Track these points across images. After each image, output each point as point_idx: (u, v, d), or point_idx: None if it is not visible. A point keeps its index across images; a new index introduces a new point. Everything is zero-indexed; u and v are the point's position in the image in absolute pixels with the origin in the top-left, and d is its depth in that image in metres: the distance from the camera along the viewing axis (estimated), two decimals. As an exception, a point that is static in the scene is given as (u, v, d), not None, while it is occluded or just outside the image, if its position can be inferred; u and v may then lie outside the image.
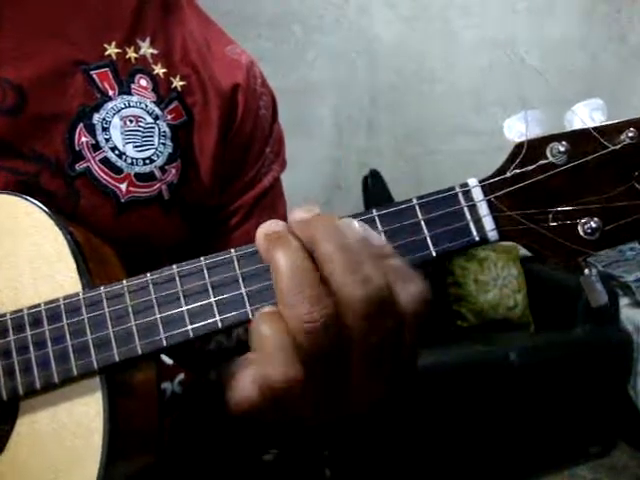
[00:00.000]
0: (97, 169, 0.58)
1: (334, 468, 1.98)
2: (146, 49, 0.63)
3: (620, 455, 2.51)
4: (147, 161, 0.60)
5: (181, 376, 0.72)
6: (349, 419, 0.45)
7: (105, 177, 0.58)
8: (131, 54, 0.62)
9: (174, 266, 0.45)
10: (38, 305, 0.47)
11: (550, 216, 0.41)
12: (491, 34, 3.00)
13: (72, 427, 0.46)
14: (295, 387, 0.41)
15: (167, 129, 0.61)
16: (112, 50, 0.61)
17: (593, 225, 0.41)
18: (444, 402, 2.19)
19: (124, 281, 0.46)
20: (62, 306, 0.47)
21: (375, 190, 2.82)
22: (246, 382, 0.44)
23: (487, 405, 2.25)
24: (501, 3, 3.04)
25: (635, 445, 2.52)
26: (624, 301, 2.57)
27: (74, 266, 0.48)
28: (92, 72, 0.59)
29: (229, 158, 0.66)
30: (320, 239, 0.40)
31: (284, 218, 0.72)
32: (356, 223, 0.42)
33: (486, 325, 2.63)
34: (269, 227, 0.42)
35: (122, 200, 0.58)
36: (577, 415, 2.44)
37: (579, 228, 0.41)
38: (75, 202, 0.57)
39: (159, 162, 0.60)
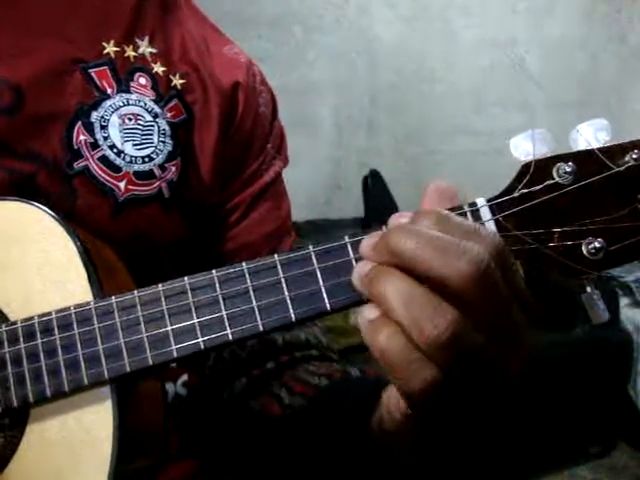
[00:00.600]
0: (96, 167, 0.57)
1: (334, 468, 1.97)
2: (145, 48, 0.63)
3: (620, 455, 2.51)
4: (146, 159, 0.60)
5: (184, 377, 0.72)
6: (501, 399, 0.44)
7: (104, 175, 0.58)
8: (130, 53, 0.62)
9: (186, 278, 0.45)
10: (49, 313, 0.48)
11: (555, 236, 0.42)
12: (491, 34, 2.99)
13: (81, 435, 0.47)
14: (435, 390, 0.40)
15: (167, 127, 0.61)
16: (111, 49, 0.61)
17: (597, 245, 0.41)
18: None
19: (135, 292, 0.46)
20: (73, 315, 0.47)
21: (375, 190, 2.81)
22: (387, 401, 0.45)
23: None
24: (501, 3, 3.04)
25: (635, 445, 2.52)
26: (624, 301, 2.57)
27: (85, 274, 0.49)
28: (90, 70, 0.59)
29: (229, 155, 0.67)
30: (400, 247, 0.39)
31: (288, 215, 0.73)
32: (405, 219, 0.41)
33: (486, 325, 2.63)
34: (361, 269, 0.41)
35: (120, 199, 0.58)
36: (577, 415, 2.44)
37: (583, 248, 0.41)
38: (72, 201, 0.57)
39: (158, 160, 0.60)
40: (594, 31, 3.18)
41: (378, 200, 2.76)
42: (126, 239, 0.57)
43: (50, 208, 0.51)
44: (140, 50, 0.62)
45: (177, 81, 0.63)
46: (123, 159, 0.58)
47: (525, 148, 0.42)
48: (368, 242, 0.41)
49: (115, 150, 0.58)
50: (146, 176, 0.60)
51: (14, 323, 0.48)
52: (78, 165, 0.57)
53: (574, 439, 2.46)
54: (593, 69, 3.17)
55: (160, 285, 0.46)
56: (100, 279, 0.49)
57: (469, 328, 0.38)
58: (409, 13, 2.91)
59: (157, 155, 0.60)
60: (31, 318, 0.48)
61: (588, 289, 0.42)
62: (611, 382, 2.49)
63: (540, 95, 2.78)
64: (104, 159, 0.58)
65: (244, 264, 0.44)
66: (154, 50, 0.63)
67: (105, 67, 0.60)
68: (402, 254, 0.38)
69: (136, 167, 0.59)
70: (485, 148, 2.52)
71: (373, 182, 2.82)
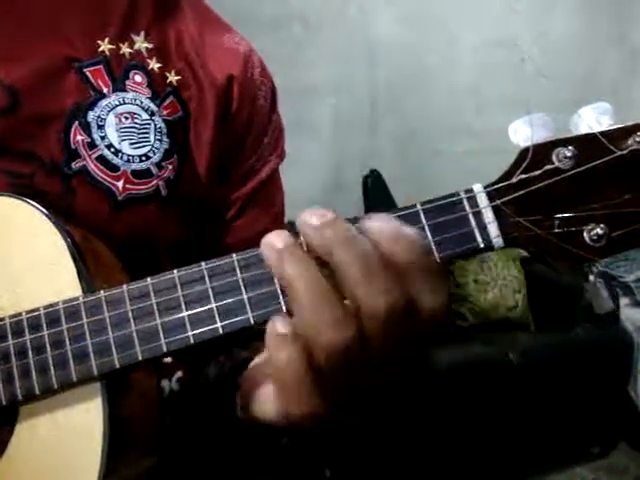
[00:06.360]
0: (93, 167, 0.57)
1: (334, 468, 1.98)
2: (141, 43, 0.62)
3: (620, 455, 2.51)
4: (143, 158, 0.59)
5: (179, 373, 0.72)
6: (366, 412, 0.45)
7: (101, 175, 0.57)
8: (125, 50, 0.61)
9: (175, 271, 0.44)
10: (37, 309, 0.47)
11: (556, 222, 0.41)
12: (491, 34, 2.99)
13: (72, 432, 0.46)
14: (312, 411, 0.41)
15: (163, 125, 0.61)
16: (105, 46, 0.60)
17: (599, 232, 0.40)
18: (443, 402, 2.19)
19: (124, 286, 0.45)
20: (61, 310, 0.46)
21: (375, 190, 2.82)
22: (268, 407, 0.45)
23: (487, 405, 2.25)
24: (501, 3, 3.04)
25: (635, 445, 2.52)
26: (624, 301, 2.57)
27: (74, 270, 0.48)
28: (85, 69, 0.59)
29: (225, 147, 0.66)
30: (337, 250, 0.38)
31: (282, 211, 0.73)
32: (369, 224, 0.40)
33: (486, 325, 2.63)
34: (276, 238, 0.40)
35: (119, 198, 0.58)
36: (577, 415, 2.44)
37: (585, 234, 0.40)
38: (71, 201, 0.57)
39: (155, 158, 0.60)
40: (594, 31, 3.18)
41: (378, 200, 2.76)
42: (125, 238, 0.57)
43: (50, 208, 0.51)
44: (136, 46, 0.62)
45: (173, 78, 0.63)
46: (120, 158, 0.58)
47: (524, 133, 0.41)
48: (311, 220, 0.40)
49: (112, 149, 0.58)
50: (143, 175, 0.59)
51: (2, 320, 0.48)
52: (76, 165, 0.57)
53: (575, 439, 2.47)
54: (593, 69, 3.17)
55: (149, 279, 0.45)
56: (91, 275, 0.48)
57: (359, 350, 0.39)
58: (409, 13, 2.91)
59: (154, 154, 0.60)
60: (19, 314, 0.47)
61: (591, 278, 0.41)
62: (611, 382, 2.49)
63: (540, 95, 2.77)
64: (102, 158, 0.58)
65: (234, 256, 0.43)
66: (150, 45, 0.63)
67: (100, 66, 0.59)
68: (335, 258, 0.39)
69: (133, 166, 0.59)
70: (485, 147, 2.51)
71: (373, 182, 2.83)
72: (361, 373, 0.40)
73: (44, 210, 0.50)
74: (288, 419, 0.43)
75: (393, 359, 0.40)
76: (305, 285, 0.38)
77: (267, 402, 0.45)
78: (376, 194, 2.80)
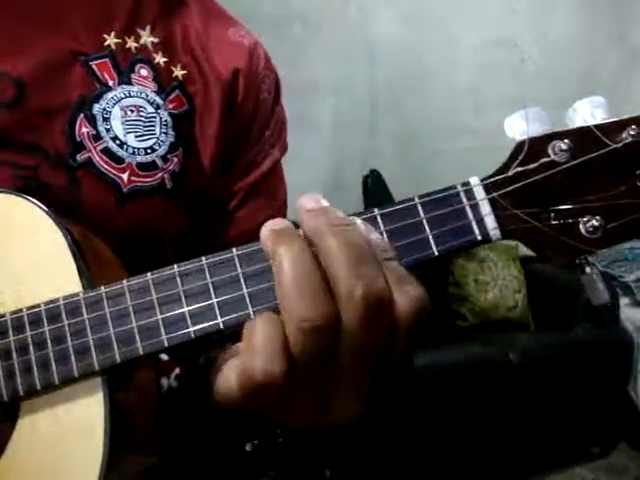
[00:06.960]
0: (98, 159, 0.57)
1: (334, 468, 1.98)
2: (146, 38, 0.63)
3: (620, 455, 2.51)
4: (149, 150, 0.60)
5: (177, 371, 0.72)
6: (329, 430, 0.44)
7: (106, 167, 0.58)
8: (131, 44, 0.61)
9: (175, 266, 0.44)
10: (38, 305, 0.47)
11: (552, 214, 0.41)
12: (491, 34, 3.00)
13: (73, 428, 0.46)
14: (274, 384, 0.39)
15: (168, 118, 0.61)
16: (111, 40, 0.61)
17: (595, 224, 0.40)
18: (444, 402, 2.19)
19: (124, 281, 0.45)
20: (62, 306, 0.46)
21: (375, 190, 2.82)
22: (229, 372, 0.43)
23: (487, 405, 2.25)
24: (501, 3, 3.04)
25: (635, 446, 2.52)
26: (624, 301, 2.57)
27: (74, 267, 0.48)
28: (91, 63, 0.59)
29: (229, 138, 0.66)
30: (325, 232, 0.40)
31: (284, 203, 0.72)
32: (360, 221, 0.41)
33: (486, 325, 2.63)
34: (275, 223, 0.42)
35: (124, 190, 0.58)
36: (577, 415, 2.44)
37: (580, 226, 0.41)
38: (76, 193, 0.57)
39: (161, 151, 0.60)
40: (594, 31, 3.18)
41: (378, 200, 2.76)
42: (130, 230, 0.57)
43: (53, 201, 0.50)
44: (142, 40, 0.62)
45: (178, 72, 0.63)
46: (126, 150, 0.58)
47: (520, 127, 0.42)
48: (307, 204, 0.42)
49: (118, 142, 0.58)
50: (149, 167, 0.59)
51: (3, 316, 0.48)
52: (81, 157, 0.57)
53: (575, 439, 2.47)
54: (593, 69, 3.17)
55: (149, 274, 0.45)
56: (91, 272, 0.48)
57: (334, 332, 0.39)
58: (409, 13, 2.91)
59: (159, 146, 0.60)
60: (20, 310, 0.47)
61: (587, 269, 0.42)
62: (611, 382, 2.49)
63: (540, 94, 2.77)
64: (107, 151, 0.58)
65: (234, 250, 0.43)
66: (155, 40, 0.63)
67: (106, 59, 0.60)
68: (323, 241, 0.40)
69: (139, 158, 0.59)
70: (484, 147, 2.51)
71: (373, 182, 2.83)
72: (329, 367, 0.40)
73: (44, 207, 0.50)
74: (249, 380, 0.41)
75: (371, 354, 0.40)
76: (290, 260, 0.39)
77: (231, 365, 0.44)
78: (376, 194, 2.80)
